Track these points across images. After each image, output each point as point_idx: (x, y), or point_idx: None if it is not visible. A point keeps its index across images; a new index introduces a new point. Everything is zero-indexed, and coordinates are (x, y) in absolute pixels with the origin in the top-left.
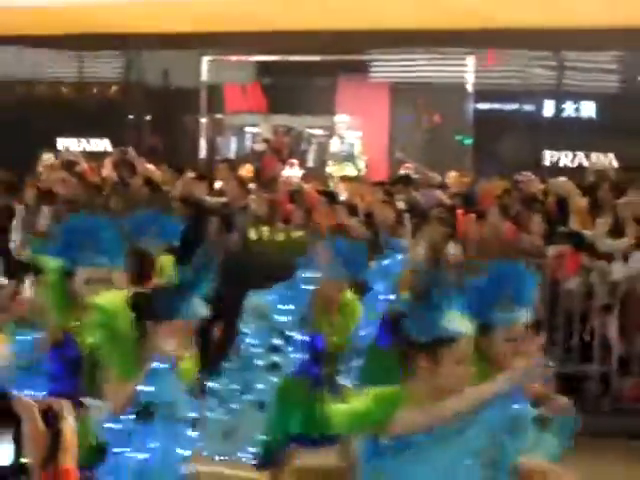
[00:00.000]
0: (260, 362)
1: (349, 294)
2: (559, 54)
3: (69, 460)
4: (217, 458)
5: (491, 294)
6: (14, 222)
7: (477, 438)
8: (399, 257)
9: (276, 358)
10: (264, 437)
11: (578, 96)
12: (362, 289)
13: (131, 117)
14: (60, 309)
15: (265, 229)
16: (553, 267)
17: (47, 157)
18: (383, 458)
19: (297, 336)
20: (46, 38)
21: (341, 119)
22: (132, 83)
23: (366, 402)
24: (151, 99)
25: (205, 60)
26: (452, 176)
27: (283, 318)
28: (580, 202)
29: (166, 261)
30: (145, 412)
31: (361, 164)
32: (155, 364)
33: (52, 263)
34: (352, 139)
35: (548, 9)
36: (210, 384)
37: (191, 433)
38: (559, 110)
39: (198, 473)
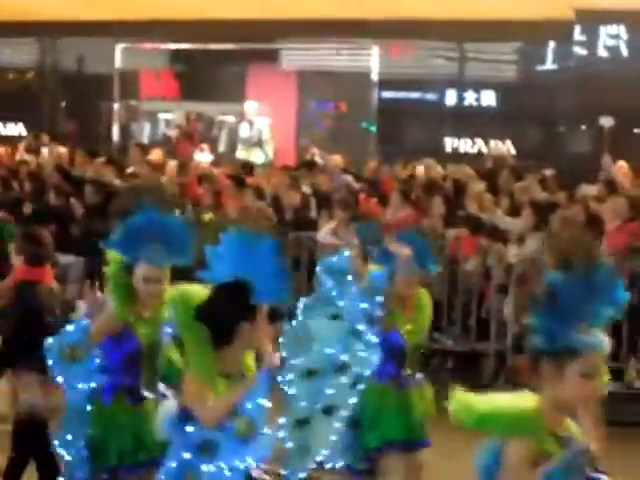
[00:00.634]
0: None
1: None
2: (461, 45)
3: None
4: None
5: None
6: None
7: None
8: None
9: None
10: (352, 446)
11: (478, 85)
12: None
13: (46, 102)
14: (120, 302)
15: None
16: (452, 249)
17: None
18: None
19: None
20: None
21: (251, 106)
22: (47, 69)
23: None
24: (66, 85)
25: (119, 47)
26: (371, 166)
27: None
28: (478, 187)
29: None
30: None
31: (269, 149)
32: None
33: (114, 255)
34: (261, 125)
35: (451, 1)
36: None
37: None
38: (460, 99)
39: None
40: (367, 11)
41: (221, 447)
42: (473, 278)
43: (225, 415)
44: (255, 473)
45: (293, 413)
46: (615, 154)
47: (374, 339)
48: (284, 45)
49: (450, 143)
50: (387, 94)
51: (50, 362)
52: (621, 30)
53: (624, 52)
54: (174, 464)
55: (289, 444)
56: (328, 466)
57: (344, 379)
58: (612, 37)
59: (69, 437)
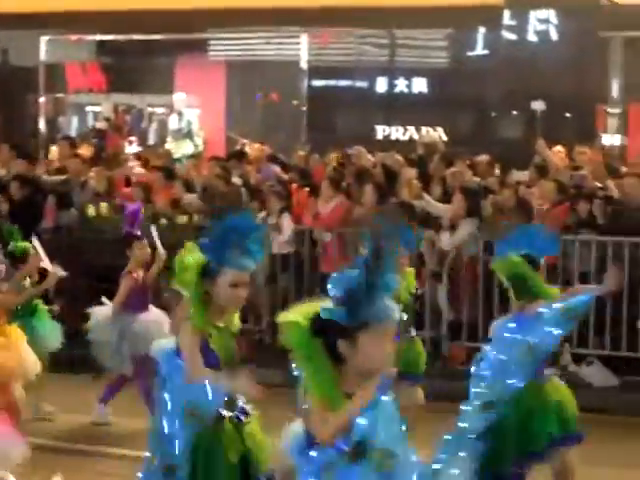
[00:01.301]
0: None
1: None
2: (391, 32)
3: None
4: None
5: None
6: None
7: None
8: None
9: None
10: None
11: (409, 72)
12: None
13: None
14: (201, 312)
15: (104, 205)
16: None
17: None
18: None
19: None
20: None
21: (179, 97)
22: None
23: None
24: None
25: (44, 39)
26: (299, 154)
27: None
28: (409, 174)
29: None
30: (357, 449)
31: (199, 140)
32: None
33: (191, 260)
34: (190, 116)
35: None
36: None
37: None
38: (391, 86)
39: None
40: (294, 0)
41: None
42: None
43: (341, 432)
44: None
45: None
46: (547, 138)
47: None
48: (212, 35)
49: (381, 130)
50: (317, 82)
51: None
52: (550, 14)
53: (554, 36)
54: None
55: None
56: None
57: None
58: (542, 22)
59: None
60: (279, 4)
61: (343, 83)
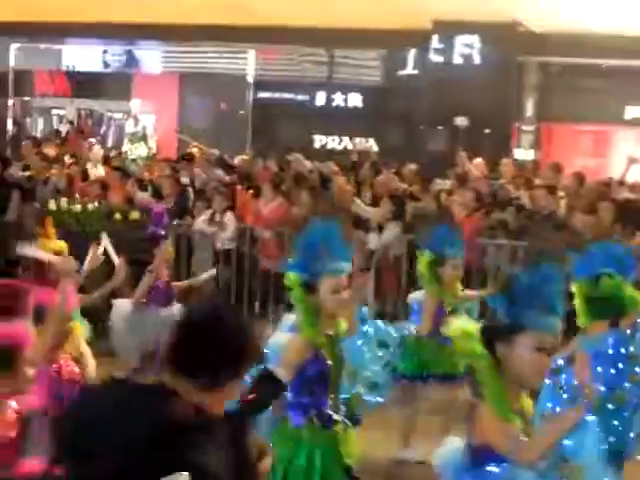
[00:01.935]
0: None
1: None
2: (329, 51)
3: None
4: None
5: None
6: None
7: None
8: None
9: None
10: None
11: (345, 88)
12: None
13: None
14: (311, 324)
15: (64, 200)
16: None
17: None
18: None
19: None
20: None
21: (136, 103)
22: None
23: None
24: None
25: (13, 47)
26: (243, 159)
27: None
28: (341, 180)
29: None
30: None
31: (152, 144)
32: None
33: (293, 279)
34: (146, 122)
35: (321, 10)
36: None
37: None
38: (329, 100)
39: None
40: (243, 18)
41: None
42: None
43: (545, 452)
44: None
45: None
46: (469, 151)
47: None
48: (167, 48)
49: (319, 140)
50: (262, 94)
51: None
52: (474, 40)
53: (477, 60)
54: None
55: None
56: None
57: None
58: (466, 46)
59: None
60: (230, 22)
61: (285, 96)
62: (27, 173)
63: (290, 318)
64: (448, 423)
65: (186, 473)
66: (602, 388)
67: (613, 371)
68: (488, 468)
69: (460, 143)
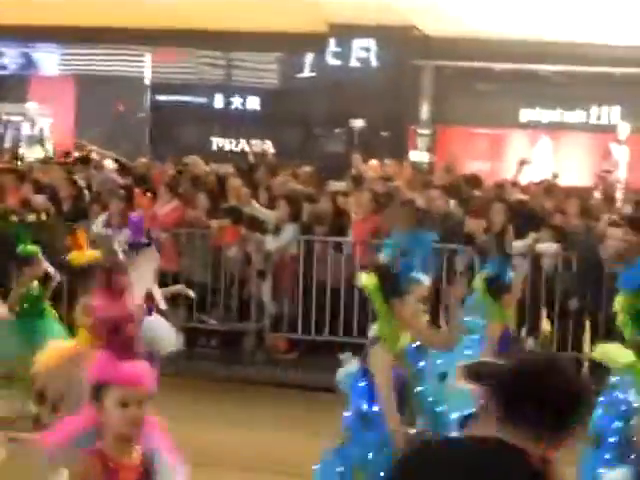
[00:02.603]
0: None
1: None
2: (227, 54)
3: None
4: None
5: None
6: None
7: None
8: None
9: None
10: None
11: (243, 91)
12: None
13: None
14: (391, 336)
15: None
16: (215, 237)
17: None
18: None
19: None
20: None
21: (33, 106)
22: None
23: None
24: None
25: None
26: (141, 162)
27: None
28: (236, 182)
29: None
30: None
31: (49, 146)
32: None
33: (372, 282)
34: (43, 124)
35: (218, 13)
36: None
37: None
38: (227, 103)
39: None
40: (141, 20)
41: None
42: (235, 264)
43: None
44: None
45: None
46: (365, 154)
47: None
48: (62, 50)
49: (216, 142)
50: (160, 97)
51: None
52: (371, 43)
53: (374, 63)
54: None
55: None
56: None
57: None
58: (363, 49)
59: None
60: (125, 24)
61: (183, 99)
62: None
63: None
64: None
65: None
66: None
67: None
68: None
69: (356, 145)
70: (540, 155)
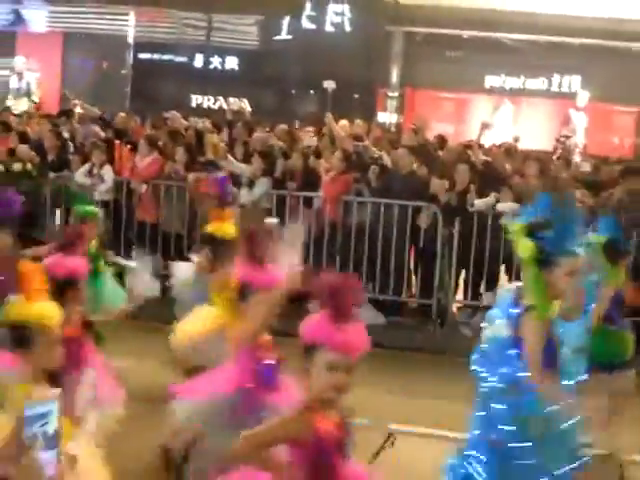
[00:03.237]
0: None
1: None
2: (208, 15)
3: None
4: None
5: None
6: None
7: None
8: None
9: None
10: None
11: (222, 51)
12: None
13: None
14: (542, 303)
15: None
16: (192, 190)
17: None
18: None
19: None
20: None
21: (20, 61)
22: None
23: None
24: None
25: None
26: (121, 116)
27: None
28: (214, 138)
29: None
30: None
31: (36, 99)
32: None
33: (529, 251)
34: (30, 78)
35: None
36: None
37: None
38: (207, 63)
39: None
40: None
41: None
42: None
43: None
44: None
45: None
46: (337, 113)
47: None
48: (51, 8)
49: (195, 99)
50: (142, 55)
51: None
52: (345, 9)
53: (347, 27)
54: None
55: None
56: None
57: None
58: (337, 14)
59: None
60: None
61: (165, 57)
62: None
63: (505, 296)
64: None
65: None
66: None
67: None
68: None
69: (329, 106)
70: (503, 119)
